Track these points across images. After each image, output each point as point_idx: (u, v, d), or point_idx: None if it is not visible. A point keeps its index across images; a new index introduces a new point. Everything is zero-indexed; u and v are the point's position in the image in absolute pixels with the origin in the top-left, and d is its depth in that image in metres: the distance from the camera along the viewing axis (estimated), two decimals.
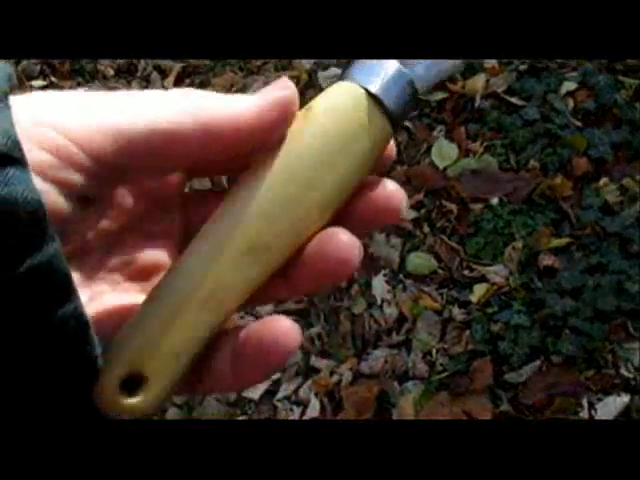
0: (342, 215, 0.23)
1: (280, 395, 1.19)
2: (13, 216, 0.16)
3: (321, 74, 1.65)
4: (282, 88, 0.22)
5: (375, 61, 0.24)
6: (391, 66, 0.24)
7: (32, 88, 1.97)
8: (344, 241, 0.21)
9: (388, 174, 1.42)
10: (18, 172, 0.17)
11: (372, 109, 0.23)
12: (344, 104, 0.23)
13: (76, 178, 0.19)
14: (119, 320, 0.21)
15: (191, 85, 1.80)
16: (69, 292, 0.18)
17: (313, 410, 1.16)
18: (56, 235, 0.17)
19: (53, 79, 1.97)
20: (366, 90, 0.23)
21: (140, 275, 0.23)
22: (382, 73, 0.23)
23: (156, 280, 0.22)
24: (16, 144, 0.17)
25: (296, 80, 1.68)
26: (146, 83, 1.89)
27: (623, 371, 1.04)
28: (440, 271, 1.25)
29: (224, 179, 1.00)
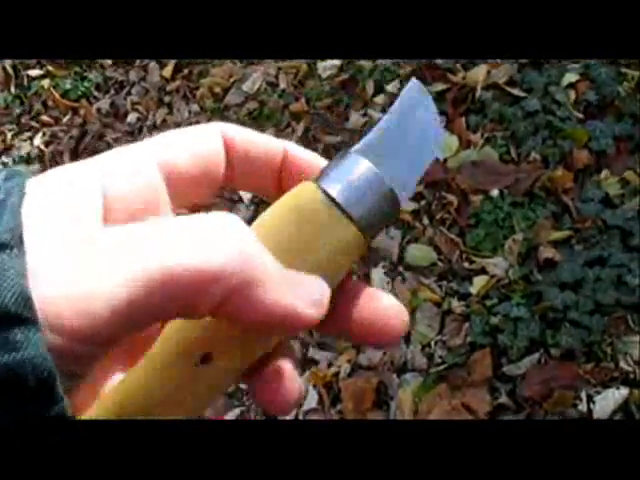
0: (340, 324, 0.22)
1: None
2: (20, 384, 0.15)
3: (320, 64, 1.64)
4: (312, 304, 0.20)
5: (352, 161, 0.22)
6: (372, 176, 0.22)
7: (28, 77, 1.96)
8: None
9: None
10: (28, 334, 0.16)
11: (346, 227, 0.21)
12: (317, 225, 0.21)
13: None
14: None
15: (189, 75, 1.79)
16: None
17: (311, 401, 1.16)
18: (65, 396, 0.16)
19: (50, 68, 1.95)
20: (338, 206, 0.21)
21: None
22: (360, 184, 0.22)
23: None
24: (27, 301, 0.16)
25: (295, 71, 1.67)
26: (144, 73, 1.88)
27: (622, 364, 1.04)
28: (439, 263, 1.25)
29: None
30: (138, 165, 0.22)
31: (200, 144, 0.24)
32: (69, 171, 0.21)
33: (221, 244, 0.18)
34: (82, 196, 0.20)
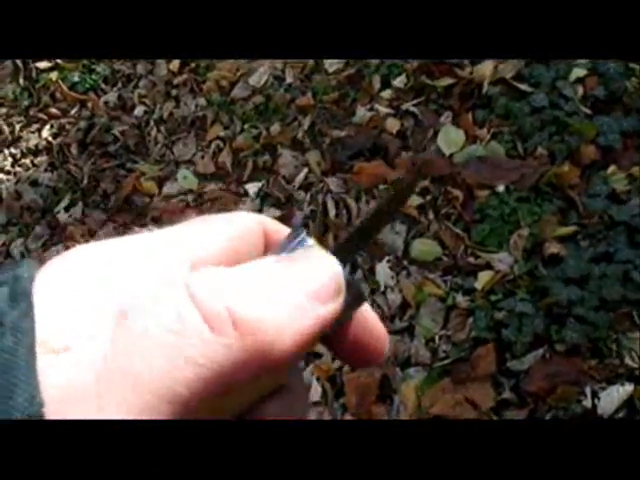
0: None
1: None
2: None
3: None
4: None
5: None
6: None
7: (37, 70, 1.96)
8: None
9: (394, 160, 1.41)
10: None
11: None
12: None
13: None
14: None
15: (196, 69, 1.79)
16: None
17: (315, 395, 1.16)
18: None
19: (58, 61, 1.96)
20: None
21: None
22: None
23: None
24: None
25: (302, 65, 1.67)
26: (151, 66, 1.88)
27: (627, 360, 1.04)
28: (444, 258, 1.25)
29: None
30: (169, 280, 0.19)
31: (242, 245, 0.22)
32: (86, 290, 0.18)
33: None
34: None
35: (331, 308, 0.19)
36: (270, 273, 0.20)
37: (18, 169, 1.84)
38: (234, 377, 0.17)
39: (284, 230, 0.24)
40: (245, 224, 0.22)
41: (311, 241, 0.23)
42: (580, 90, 1.35)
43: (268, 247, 0.23)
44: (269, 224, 0.23)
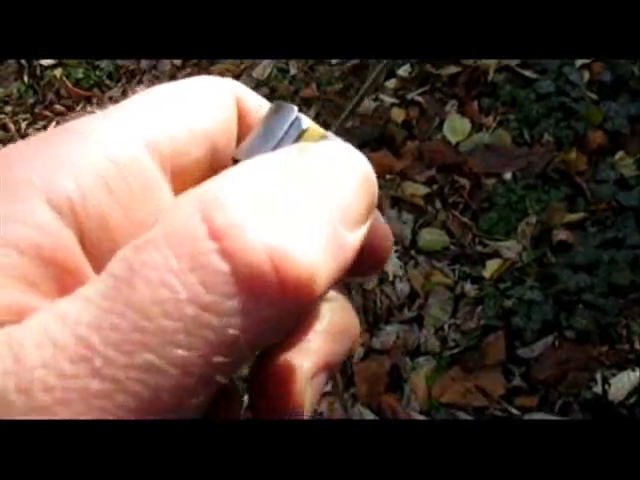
0: None
1: None
2: None
3: None
4: None
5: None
6: None
7: (41, 67, 1.97)
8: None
9: (400, 150, 1.41)
10: None
11: None
12: None
13: None
14: None
15: (200, 63, 1.79)
16: None
17: (325, 385, 1.17)
18: None
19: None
20: None
21: None
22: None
23: None
24: None
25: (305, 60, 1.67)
26: (155, 62, 1.88)
27: (637, 346, 1.04)
28: (452, 247, 1.24)
29: None
30: (115, 157, 0.16)
31: (207, 115, 0.17)
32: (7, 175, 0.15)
33: None
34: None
35: (364, 231, 0.14)
36: (282, 180, 0.13)
37: None
38: (264, 334, 0.13)
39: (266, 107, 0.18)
40: (217, 94, 0.17)
41: (307, 122, 0.17)
42: (586, 75, 1.34)
43: (242, 128, 0.18)
44: (247, 97, 0.18)
